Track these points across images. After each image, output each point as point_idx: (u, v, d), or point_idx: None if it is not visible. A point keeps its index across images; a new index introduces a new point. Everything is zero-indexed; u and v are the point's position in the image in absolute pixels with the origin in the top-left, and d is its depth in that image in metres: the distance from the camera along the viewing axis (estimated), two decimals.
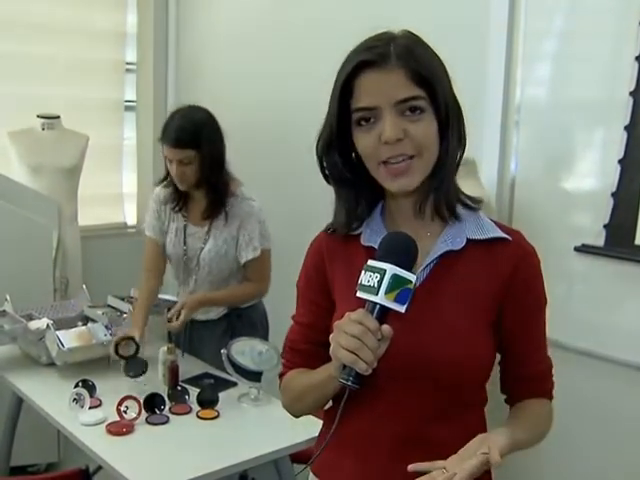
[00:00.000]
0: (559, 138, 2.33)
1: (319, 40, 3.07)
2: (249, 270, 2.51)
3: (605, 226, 2.19)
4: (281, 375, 1.33)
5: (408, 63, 1.08)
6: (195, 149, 2.37)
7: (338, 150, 1.17)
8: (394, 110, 1.08)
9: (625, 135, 2.12)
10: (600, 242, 2.20)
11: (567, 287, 2.30)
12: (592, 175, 2.27)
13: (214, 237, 2.48)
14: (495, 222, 1.20)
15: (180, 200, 2.53)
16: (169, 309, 2.50)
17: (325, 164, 1.20)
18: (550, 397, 1.26)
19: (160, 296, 2.70)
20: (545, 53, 2.35)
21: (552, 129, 2.34)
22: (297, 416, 1.32)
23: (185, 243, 2.54)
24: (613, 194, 2.16)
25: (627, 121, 2.11)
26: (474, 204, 1.20)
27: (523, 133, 2.40)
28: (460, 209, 1.18)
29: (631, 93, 2.10)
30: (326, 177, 1.21)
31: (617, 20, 2.17)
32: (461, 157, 1.17)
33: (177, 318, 2.42)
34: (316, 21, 3.12)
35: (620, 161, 2.14)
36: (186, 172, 2.40)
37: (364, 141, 1.12)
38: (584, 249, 2.25)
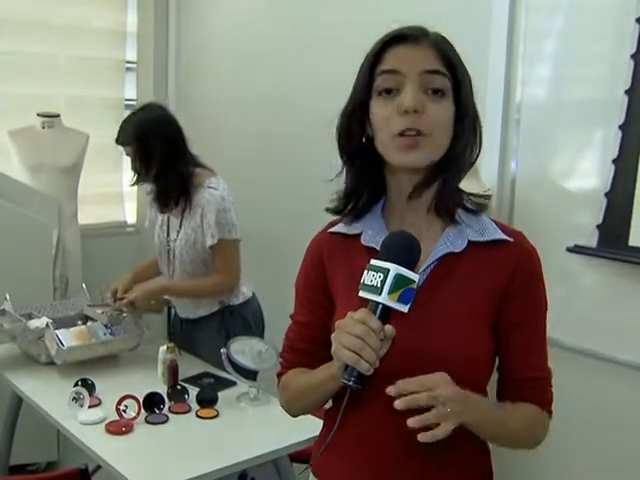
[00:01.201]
0: (559, 137, 2.33)
1: (319, 39, 3.07)
2: (215, 260, 2.53)
3: (598, 226, 2.18)
4: (279, 375, 1.33)
5: (440, 46, 1.12)
6: (129, 145, 2.48)
7: (358, 125, 1.17)
8: (418, 81, 1.09)
9: (620, 134, 2.11)
10: (593, 243, 2.19)
11: (561, 287, 2.29)
12: (590, 175, 2.27)
13: (184, 227, 2.53)
14: (497, 223, 1.20)
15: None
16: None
17: (344, 140, 1.19)
18: (547, 409, 1.21)
19: None
20: (545, 53, 2.35)
21: (552, 128, 2.34)
22: (295, 416, 1.32)
23: (168, 234, 2.60)
24: (607, 194, 2.15)
25: (622, 120, 2.10)
26: (478, 208, 1.19)
27: (524, 132, 2.40)
28: (461, 213, 1.18)
29: (626, 92, 2.09)
30: (342, 153, 1.20)
31: (616, 19, 2.16)
32: (473, 163, 1.18)
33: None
34: (316, 20, 3.12)
35: (614, 161, 2.12)
36: (134, 166, 2.51)
37: (382, 110, 1.11)
38: (576, 249, 2.24)
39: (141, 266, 2.83)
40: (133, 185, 2.59)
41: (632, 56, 2.07)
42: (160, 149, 2.45)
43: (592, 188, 2.23)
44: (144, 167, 2.48)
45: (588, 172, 2.28)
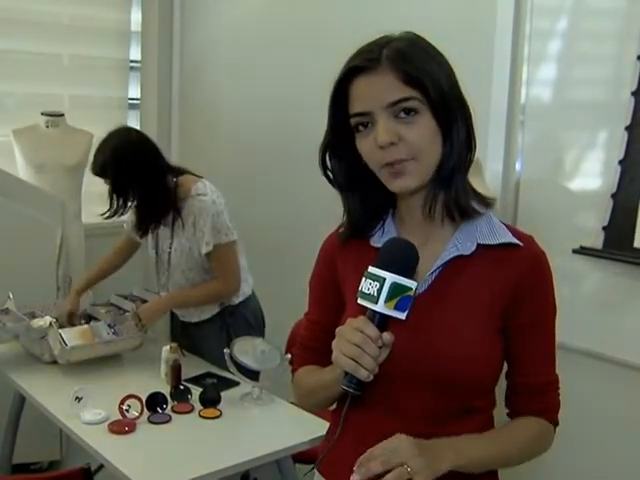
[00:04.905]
0: (564, 138, 2.32)
1: (322, 41, 3.06)
2: (213, 266, 2.52)
3: (604, 228, 2.17)
4: (293, 370, 1.36)
5: (398, 65, 1.07)
6: (105, 176, 2.42)
7: (344, 155, 1.17)
8: (386, 113, 1.08)
9: (626, 136, 2.11)
10: (599, 244, 2.19)
11: (566, 288, 2.28)
12: (595, 176, 2.26)
13: (177, 236, 2.52)
14: (508, 226, 1.19)
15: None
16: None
17: (329, 169, 1.20)
18: (551, 419, 1.20)
19: (136, 293, 2.86)
20: (550, 53, 2.34)
21: (557, 129, 2.33)
22: (308, 411, 1.36)
23: (157, 244, 2.61)
24: (613, 195, 2.15)
25: (628, 122, 2.10)
26: (485, 205, 1.18)
27: (528, 133, 2.40)
28: (472, 210, 1.17)
29: (633, 93, 2.08)
30: (330, 182, 1.22)
31: (621, 20, 2.16)
32: (472, 155, 1.16)
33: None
34: (319, 22, 3.12)
35: (620, 162, 2.12)
36: (111, 198, 2.45)
37: (363, 146, 1.13)
38: (582, 251, 2.23)
39: (95, 273, 2.81)
40: (107, 219, 2.50)
41: (638, 57, 2.06)
42: (137, 175, 2.40)
43: (597, 189, 2.23)
44: (122, 197, 2.42)
45: (593, 173, 2.27)
